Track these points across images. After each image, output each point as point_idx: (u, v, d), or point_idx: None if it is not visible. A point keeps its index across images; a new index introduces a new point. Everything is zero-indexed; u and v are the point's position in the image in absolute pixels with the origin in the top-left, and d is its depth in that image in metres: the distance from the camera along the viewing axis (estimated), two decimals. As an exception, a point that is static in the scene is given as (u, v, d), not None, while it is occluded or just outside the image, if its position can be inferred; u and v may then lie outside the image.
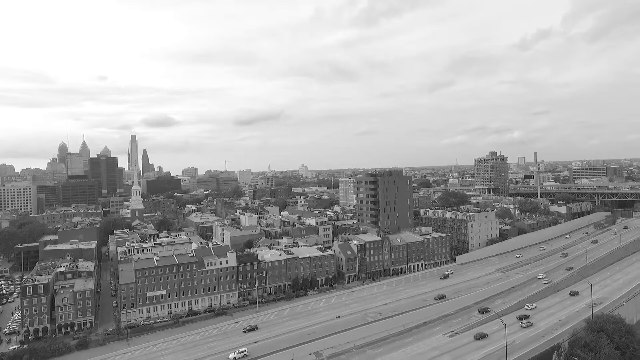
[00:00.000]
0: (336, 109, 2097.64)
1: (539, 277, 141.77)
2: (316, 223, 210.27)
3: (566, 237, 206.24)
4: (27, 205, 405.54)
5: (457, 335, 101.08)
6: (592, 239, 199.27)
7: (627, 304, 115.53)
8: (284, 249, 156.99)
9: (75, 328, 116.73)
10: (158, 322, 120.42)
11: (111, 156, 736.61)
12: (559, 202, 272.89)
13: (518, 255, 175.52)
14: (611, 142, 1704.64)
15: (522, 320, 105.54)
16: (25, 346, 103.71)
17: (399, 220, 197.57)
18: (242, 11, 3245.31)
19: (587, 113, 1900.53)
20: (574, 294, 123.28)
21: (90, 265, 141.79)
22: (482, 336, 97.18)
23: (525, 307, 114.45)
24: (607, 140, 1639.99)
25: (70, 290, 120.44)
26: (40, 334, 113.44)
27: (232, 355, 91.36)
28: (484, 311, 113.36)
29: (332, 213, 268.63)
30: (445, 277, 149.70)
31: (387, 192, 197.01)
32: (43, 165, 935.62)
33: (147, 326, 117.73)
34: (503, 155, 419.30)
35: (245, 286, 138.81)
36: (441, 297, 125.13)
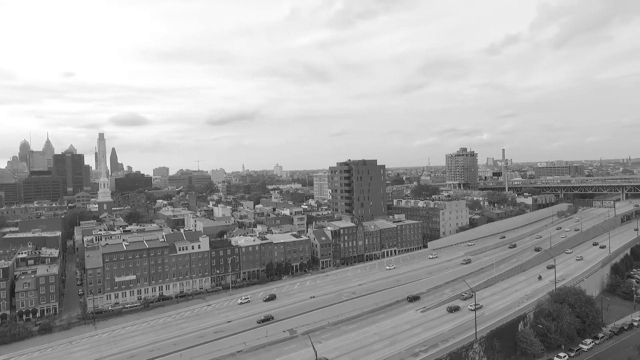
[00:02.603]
0: (311, 110, 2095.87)
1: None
2: (291, 213, 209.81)
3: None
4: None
5: (429, 310, 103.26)
6: (557, 226, 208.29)
7: (587, 280, 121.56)
8: (258, 236, 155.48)
9: (38, 314, 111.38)
10: (127, 308, 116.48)
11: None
12: (525, 194, 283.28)
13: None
14: (573, 144, 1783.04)
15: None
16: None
17: (373, 208, 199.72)
18: (219, 9, 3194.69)
19: (551, 116, 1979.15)
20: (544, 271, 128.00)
21: (54, 252, 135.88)
22: (454, 309, 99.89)
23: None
24: (569, 142, 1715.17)
25: (32, 276, 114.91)
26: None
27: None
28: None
29: (306, 206, 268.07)
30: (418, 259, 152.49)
31: (361, 181, 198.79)
32: (2, 165, 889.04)
33: (115, 311, 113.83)
34: (473, 152, 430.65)
35: (218, 271, 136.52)
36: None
